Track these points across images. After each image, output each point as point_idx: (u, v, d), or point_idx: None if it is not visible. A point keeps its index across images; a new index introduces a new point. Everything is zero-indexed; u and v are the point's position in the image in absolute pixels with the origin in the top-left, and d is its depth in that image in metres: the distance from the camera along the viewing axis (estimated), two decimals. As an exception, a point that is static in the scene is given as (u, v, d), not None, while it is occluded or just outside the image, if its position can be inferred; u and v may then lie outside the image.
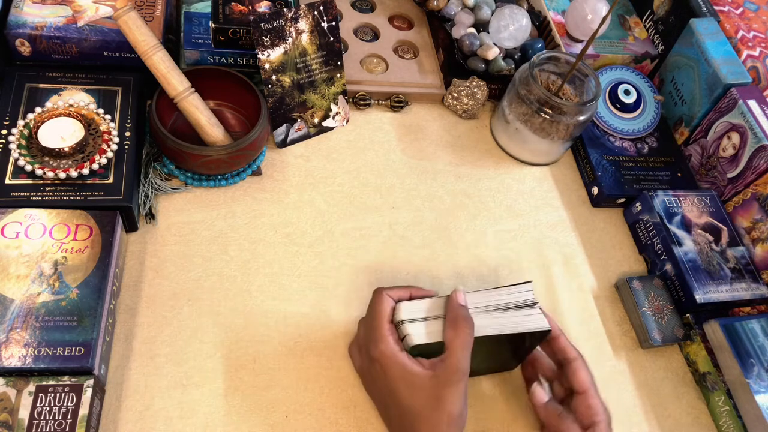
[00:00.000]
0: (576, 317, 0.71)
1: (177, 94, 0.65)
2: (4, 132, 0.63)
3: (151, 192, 0.68)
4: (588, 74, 0.79)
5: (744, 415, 0.65)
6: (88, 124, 0.64)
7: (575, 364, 0.57)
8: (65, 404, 0.50)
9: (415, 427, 0.51)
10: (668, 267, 0.74)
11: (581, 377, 0.57)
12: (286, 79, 0.72)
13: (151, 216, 0.66)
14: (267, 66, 0.70)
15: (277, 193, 0.72)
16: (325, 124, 0.78)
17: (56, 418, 0.50)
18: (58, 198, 0.60)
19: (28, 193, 0.60)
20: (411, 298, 0.57)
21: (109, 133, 0.64)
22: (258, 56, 0.69)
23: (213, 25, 0.70)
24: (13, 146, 0.61)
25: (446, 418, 0.50)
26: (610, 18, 0.80)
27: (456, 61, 0.84)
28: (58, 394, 0.51)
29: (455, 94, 0.84)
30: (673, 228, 0.75)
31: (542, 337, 0.58)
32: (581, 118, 0.77)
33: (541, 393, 0.58)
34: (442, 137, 0.83)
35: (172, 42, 0.75)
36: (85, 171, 0.61)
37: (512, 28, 0.83)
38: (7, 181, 0.60)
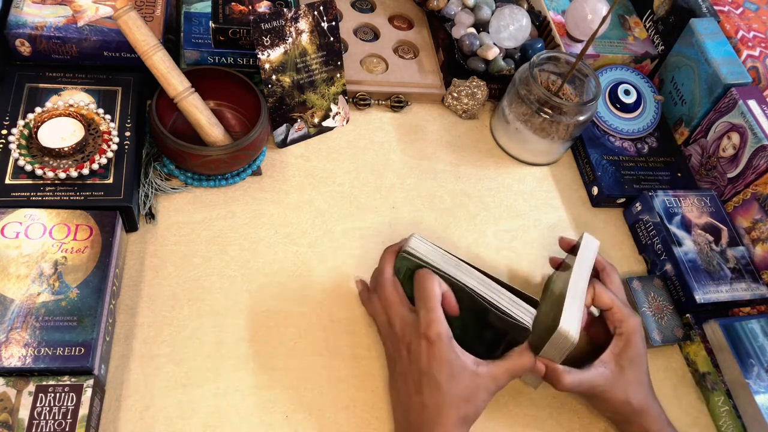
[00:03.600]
0: (576, 317, 0.71)
1: (177, 94, 0.65)
2: (4, 132, 0.63)
3: (151, 192, 0.68)
4: (588, 74, 0.79)
5: (744, 415, 0.65)
6: (88, 124, 0.64)
7: (604, 273, 0.65)
8: (65, 404, 0.50)
9: (441, 410, 0.53)
10: (668, 267, 0.74)
11: (605, 295, 0.63)
12: (286, 79, 0.72)
13: (151, 216, 0.66)
14: (267, 66, 0.70)
15: (277, 193, 0.72)
16: (325, 124, 0.78)
17: (56, 418, 0.50)
18: (58, 198, 0.60)
19: (28, 193, 0.60)
20: None
21: (109, 133, 0.64)
22: (258, 56, 0.69)
23: (213, 25, 0.70)
24: (13, 146, 0.61)
25: (472, 413, 0.54)
26: (610, 18, 0.80)
27: (456, 61, 0.84)
28: (58, 394, 0.51)
29: (455, 94, 0.84)
30: (673, 228, 0.75)
31: (517, 339, 0.58)
32: (581, 118, 0.77)
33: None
34: (442, 137, 0.83)
35: (172, 42, 0.75)
36: (85, 171, 0.61)
37: (512, 28, 0.83)
38: (7, 181, 0.60)
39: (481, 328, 0.58)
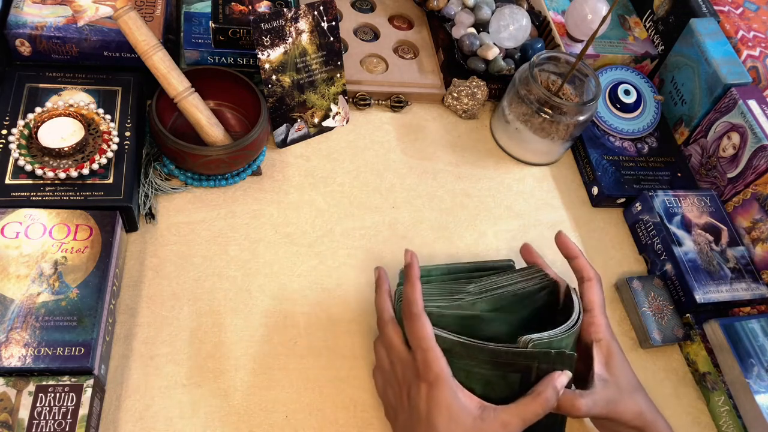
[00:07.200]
0: (576, 317, 0.71)
1: (177, 94, 0.65)
2: (4, 132, 0.63)
3: (151, 192, 0.68)
4: (588, 74, 0.79)
5: (744, 415, 0.65)
6: (88, 124, 0.64)
7: (588, 284, 0.59)
8: (65, 404, 0.50)
9: None
10: (668, 267, 0.74)
11: (590, 297, 0.58)
12: (286, 79, 0.72)
13: (151, 216, 0.66)
14: (267, 66, 0.70)
15: (277, 193, 0.72)
16: (325, 124, 0.78)
17: (56, 418, 0.50)
18: (58, 198, 0.60)
19: (28, 193, 0.60)
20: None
21: (109, 133, 0.64)
22: (258, 56, 0.69)
23: (213, 25, 0.70)
24: (13, 146, 0.61)
25: None
26: (610, 18, 0.80)
27: (456, 61, 0.84)
28: (58, 394, 0.51)
29: (455, 94, 0.84)
30: (673, 228, 0.75)
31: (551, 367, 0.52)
32: (581, 118, 0.77)
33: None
34: (442, 137, 0.83)
35: (172, 42, 0.75)
36: (85, 171, 0.61)
37: (512, 28, 0.83)
38: (7, 181, 0.60)
39: (503, 371, 0.53)
